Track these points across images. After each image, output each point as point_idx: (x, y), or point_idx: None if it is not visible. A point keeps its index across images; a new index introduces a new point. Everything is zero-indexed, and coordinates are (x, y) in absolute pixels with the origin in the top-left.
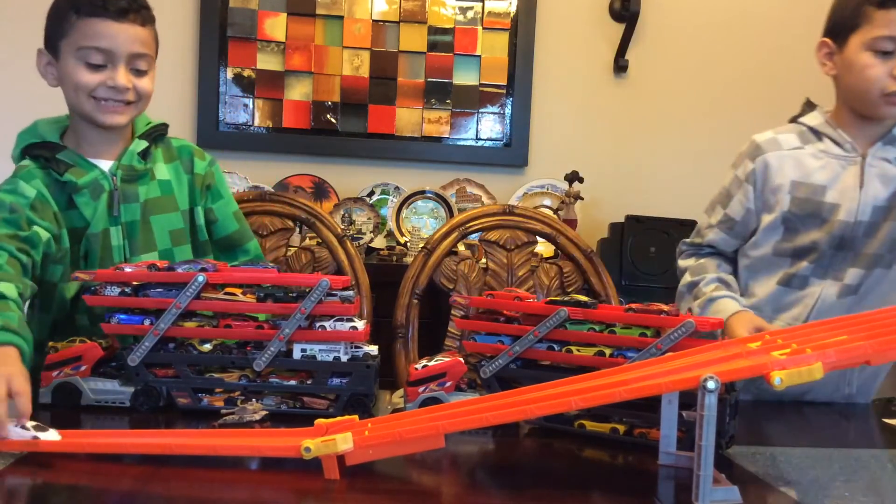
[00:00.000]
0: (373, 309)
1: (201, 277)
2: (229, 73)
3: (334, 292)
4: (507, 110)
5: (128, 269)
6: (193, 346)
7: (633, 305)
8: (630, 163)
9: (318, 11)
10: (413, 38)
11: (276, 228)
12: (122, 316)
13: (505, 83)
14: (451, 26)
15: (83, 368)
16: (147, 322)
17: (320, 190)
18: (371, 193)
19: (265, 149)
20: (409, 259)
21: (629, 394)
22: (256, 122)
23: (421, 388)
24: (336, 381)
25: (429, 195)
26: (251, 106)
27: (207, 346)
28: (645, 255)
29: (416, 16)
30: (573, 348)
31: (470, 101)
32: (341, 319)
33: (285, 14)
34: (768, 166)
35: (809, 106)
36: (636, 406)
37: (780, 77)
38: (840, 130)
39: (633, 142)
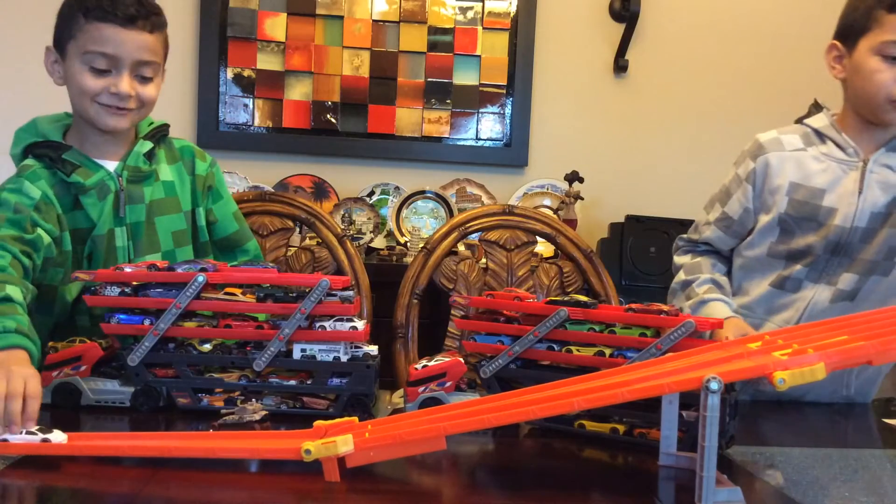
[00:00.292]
0: (373, 309)
1: (201, 277)
2: (229, 73)
3: (334, 292)
4: (507, 110)
5: (128, 269)
6: (193, 346)
7: (633, 305)
8: (630, 163)
9: (318, 11)
10: (413, 38)
11: (276, 228)
12: (122, 316)
13: (505, 83)
14: (451, 26)
15: (83, 368)
16: (147, 322)
17: (320, 190)
18: (371, 193)
19: (265, 149)
20: (409, 259)
21: (632, 394)
22: (256, 122)
23: (421, 389)
24: (336, 381)
25: (429, 195)
26: (251, 106)
27: (207, 347)
28: (645, 255)
29: (416, 16)
30: (573, 348)
31: (470, 101)
32: (341, 319)
33: (285, 14)
34: (769, 166)
35: (816, 107)
36: (636, 406)
37: (779, 77)
38: (844, 134)
39: (633, 142)
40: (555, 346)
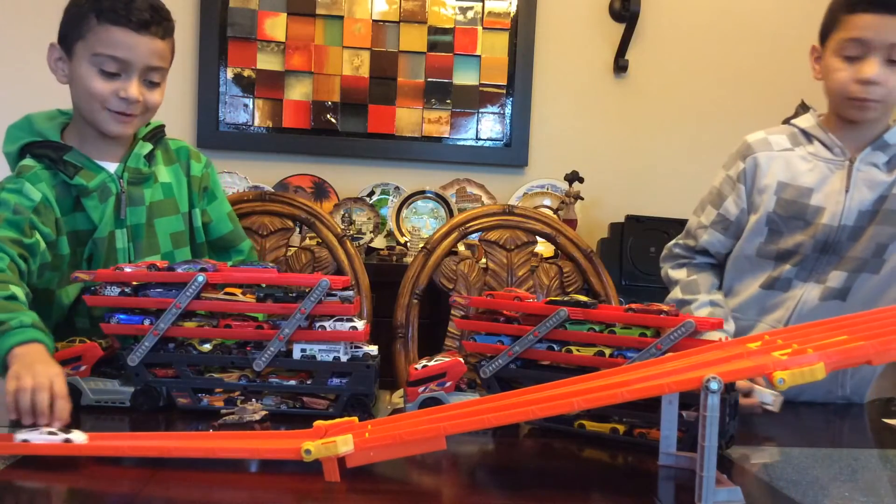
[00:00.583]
0: (373, 309)
1: (201, 277)
2: (229, 73)
3: (334, 292)
4: (507, 110)
5: (128, 270)
6: (193, 346)
7: (633, 305)
8: (630, 163)
9: (318, 11)
10: (413, 38)
11: (276, 228)
12: (122, 316)
13: (505, 83)
14: (451, 26)
15: (83, 368)
16: (147, 322)
17: (320, 190)
18: (371, 193)
19: (265, 149)
20: (409, 259)
21: (632, 394)
22: (256, 122)
23: (421, 389)
24: (336, 381)
25: (429, 195)
26: (251, 106)
27: (207, 346)
28: (645, 255)
29: (416, 16)
30: (573, 348)
31: (470, 101)
32: (341, 319)
33: (285, 14)
34: (758, 166)
35: (803, 108)
36: (636, 406)
37: (779, 77)
38: (830, 134)
39: (633, 142)
40: (555, 346)
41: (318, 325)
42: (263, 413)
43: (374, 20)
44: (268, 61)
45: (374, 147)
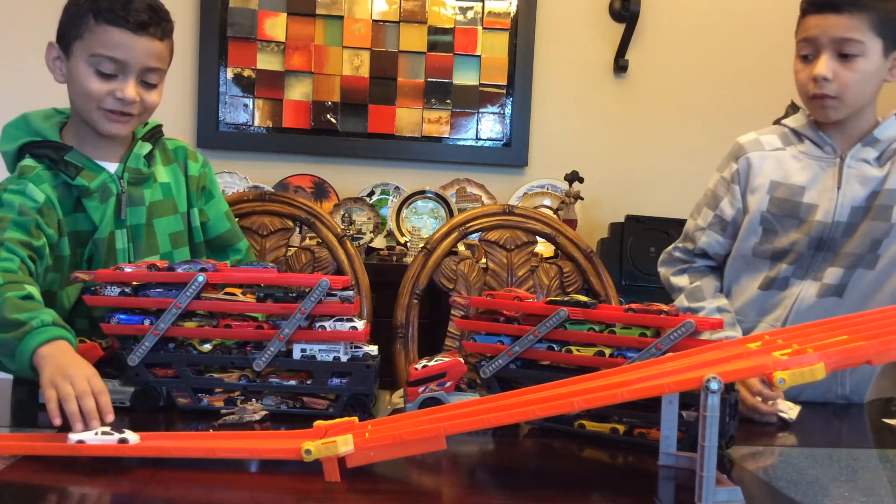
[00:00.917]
0: (373, 309)
1: (201, 277)
2: (229, 73)
3: (334, 292)
4: (507, 110)
5: (128, 270)
6: (193, 346)
7: (633, 305)
8: (630, 163)
9: (318, 11)
10: (413, 38)
11: (276, 228)
12: (122, 316)
13: (505, 83)
14: (451, 26)
15: None
16: (147, 322)
17: (320, 190)
18: (371, 193)
19: (265, 149)
20: (409, 259)
21: (632, 394)
22: (256, 122)
23: (421, 389)
24: (336, 381)
25: (429, 195)
26: (251, 106)
27: (207, 346)
28: (645, 255)
29: (416, 16)
30: (573, 348)
31: (470, 101)
32: (341, 319)
33: (285, 14)
34: (750, 166)
35: (793, 108)
36: (636, 406)
37: (780, 77)
38: (820, 132)
39: (633, 142)
40: (555, 346)
41: (318, 325)
42: (263, 413)
43: (374, 20)
44: (268, 61)
45: (374, 147)
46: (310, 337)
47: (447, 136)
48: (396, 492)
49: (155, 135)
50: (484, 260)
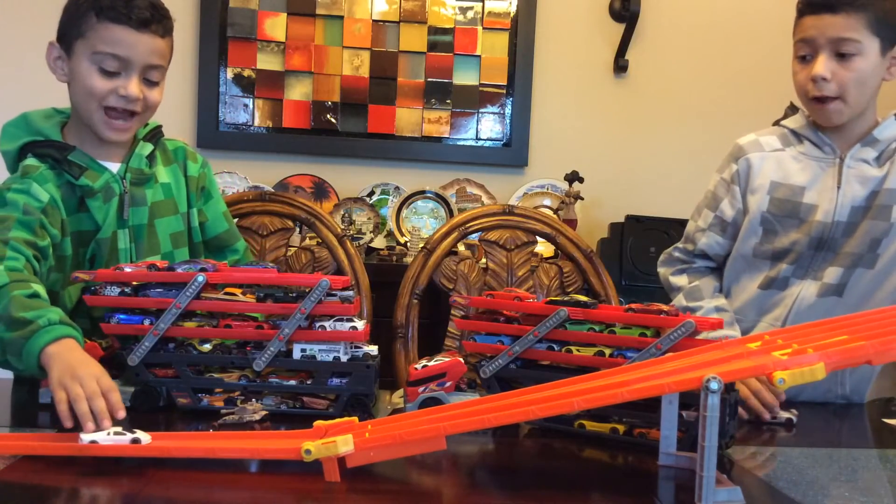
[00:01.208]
0: (373, 309)
1: (201, 277)
2: (229, 73)
3: (334, 292)
4: (507, 110)
5: (128, 269)
6: (193, 346)
7: (633, 305)
8: (630, 163)
9: (318, 11)
10: (413, 38)
11: (276, 228)
12: (122, 316)
13: (505, 83)
14: (451, 26)
15: None
16: (147, 322)
17: (320, 190)
18: (371, 193)
19: (265, 149)
20: (409, 259)
21: (631, 394)
22: (256, 122)
23: (421, 388)
24: (336, 381)
25: (429, 195)
26: (251, 106)
27: (207, 346)
28: (645, 255)
29: (416, 16)
30: (573, 348)
31: (470, 101)
32: (341, 319)
33: (285, 14)
34: (750, 167)
35: (792, 109)
36: (636, 406)
37: (780, 77)
38: (820, 133)
39: (633, 142)
40: (555, 346)
41: (318, 325)
42: (263, 413)
43: (374, 20)
44: (268, 61)
45: (374, 147)
46: (310, 337)
47: (447, 136)
48: (396, 492)
49: (156, 135)
50: (484, 260)
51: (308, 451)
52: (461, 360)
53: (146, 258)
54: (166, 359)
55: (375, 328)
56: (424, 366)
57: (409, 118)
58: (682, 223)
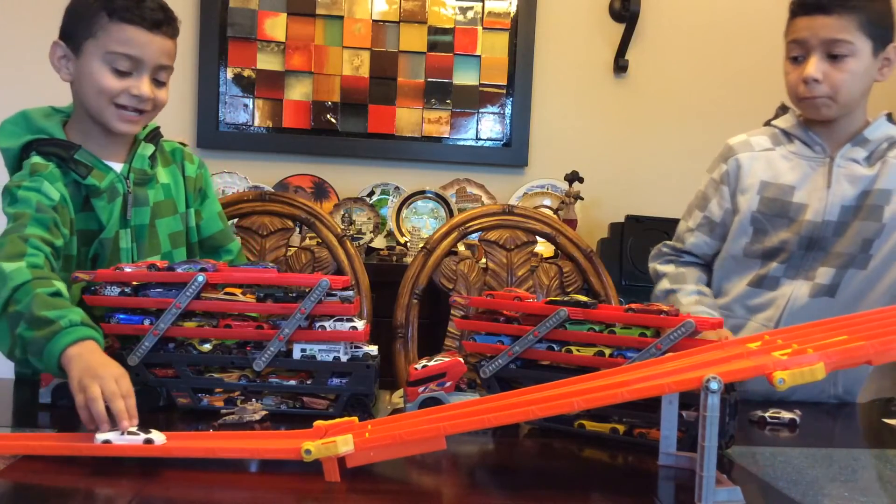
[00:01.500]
0: (373, 309)
1: (201, 277)
2: (229, 74)
3: (334, 292)
4: (507, 110)
5: (128, 269)
6: (193, 346)
7: (633, 305)
8: (630, 163)
9: (318, 11)
10: (413, 38)
11: (276, 228)
12: (122, 316)
13: (505, 83)
14: (451, 26)
15: None
16: (147, 322)
17: (320, 190)
18: (371, 193)
19: (265, 149)
20: (409, 259)
21: (631, 394)
22: (256, 122)
23: (421, 388)
24: (336, 381)
25: (429, 195)
26: (251, 106)
27: (207, 346)
28: (645, 255)
29: (416, 16)
30: (573, 348)
31: (470, 101)
32: (341, 319)
33: (285, 14)
34: (740, 167)
35: (783, 109)
36: (636, 406)
37: (779, 77)
38: (810, 132)
39: (633, 142)
40: (555, 346)
41: (318, 325)
42: (263, 413)
43: (374, 20)
44: (268, 61)
45: (374, 147)
46: (310, 337)
47: (447, 136)
48: (396, 492)
49: (156, 136)
50: (484, 260)
51: (308, 451)
52: (461, 360)
53: (147, 258)
54: (166, 359)
55: (375, 328)
56: (424, 366)
57: (409, 118)
58: None
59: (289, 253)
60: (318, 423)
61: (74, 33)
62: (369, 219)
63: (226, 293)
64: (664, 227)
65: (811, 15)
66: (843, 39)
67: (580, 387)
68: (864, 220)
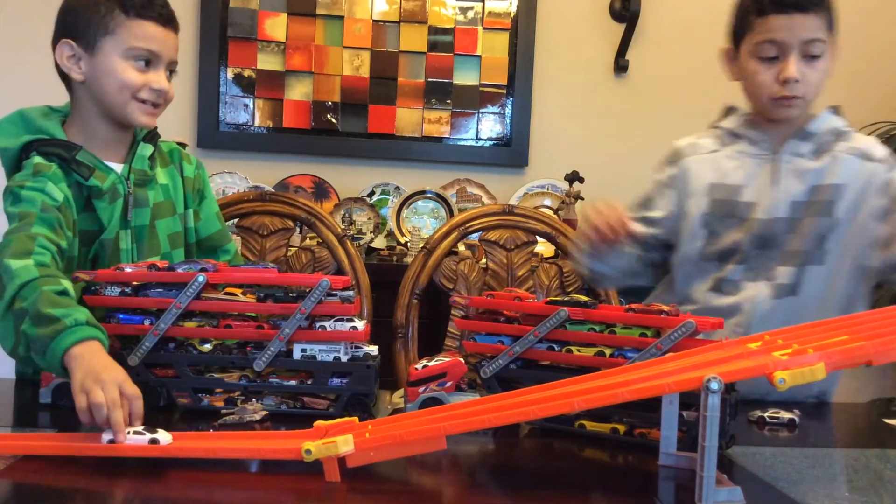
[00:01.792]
0: (373, 309)
1: (201, 277)
2: (230, 74)
3: (334, 292)
4: (507, 110)
5: (128, 269)
6: (193, 346)
7: (633, 305)
8: (630, 163)
9: (319, 11)
10: (413, 38)
11: (277, 228)
12: (122, 316)
13: (505, 83)
14: (452, 26)
15: None
16: (147, 322)
17: (320, 190)
18: (371, 193)
19: (265, 149)
20: (409, 259)
21: (632, 395)
22: (257, 122)
23: (421, 389)
24: (336, 381)
25: (429, 195)
26: (251, 106)
27: (207, 346)
28: None
29: (417, 16)
30: (573, 348)
31: (470, 101)
32: (341, 319)
33: (285, 14)
34: (688, 170)
35: (729, 110)
36: (636, 406)
37: None
38: (755, 130)
39: (634, 142)
40: (555, 347)
41: (318, 325)
42: (263, 413)
43: (374, 20)
44: (268, 61)
45: (375, 147)
46: (310, 337)
47: (447, 136)
48: (396, 492)
49: (154, 137)
50: (484, 260)
51: (308, 451)
52: (461, 360)
53: (147, 259)
54: (166, 359)
55: (375, 328)
56: (425, 366)
57: (409, 118)
58: None
59: (289, 253)
60: (318, 423)
61: (86, 31)
62: (370, 219)
63: (226, 293)
64: None
65: (789, 14)
66: (819, 39)
67: (580, 387)
68: (815, 216)
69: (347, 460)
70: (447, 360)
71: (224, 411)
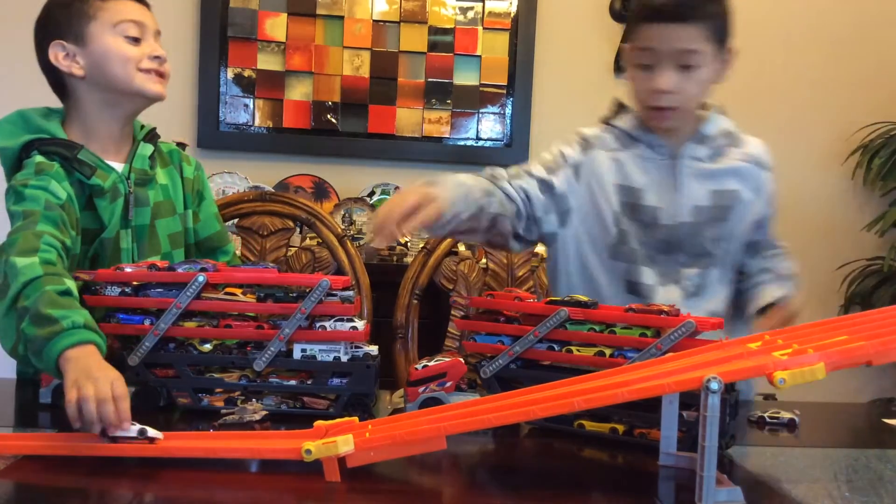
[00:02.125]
0: (373, 309)
1: (201, 277)
2: (230, 74)
3: (334, 292)
4: (508, 110)
5: (128, 269)
6: (193, 346)
7: (634, 306)
8: None
9: (319, 11)
10: (413, 39)
11: (277, 228)
12: (122, 316)
13: (505, 83)
14: (452, 26)
15: None
16: (147, 322)
17: (320, 190)
18: (371, 193)
19: (265, 149)
20: (409, 259)
21: (632, 395)
22: (257, 123)
23: (421, 389)
24: (336, 381)
25: None
26: (251, 106)
27: (207, 346)
28: None
29: (417, 16)
30: (573, 348)
31: (470, 101)
32: (341, 319)
33: (286, 14)
34: (596, 163)
35: (620, 107)
36: (636, 406)
37: (778, 77)
38: (652, 135)
39: None
40: (555, 347)
41: (318, 325)
42: (263, 413)
43: (374, 20)
44: (268, 61)
45: (375, 147)
46: (310, 337)
47: (447, 136)
48: (396, 492)
49: (153, 137)
50: (484, 260)
51: (308, 451)
52: (461, 360)
53: (147, 258)
54: (166, 359)
55: (375, 328)
56: (425, 366)
57: (409, 118)
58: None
59: (289, 253)
60: (318, 423)
61: (69, 27)
62: (370, 219)
63: (226, 293)
64: None
65: (665, 23)
66: (696, 49)
67: (580, 387)
68: (715, 220)
69: (347, 460)
70: (447, 360)
71: (224, 411)
